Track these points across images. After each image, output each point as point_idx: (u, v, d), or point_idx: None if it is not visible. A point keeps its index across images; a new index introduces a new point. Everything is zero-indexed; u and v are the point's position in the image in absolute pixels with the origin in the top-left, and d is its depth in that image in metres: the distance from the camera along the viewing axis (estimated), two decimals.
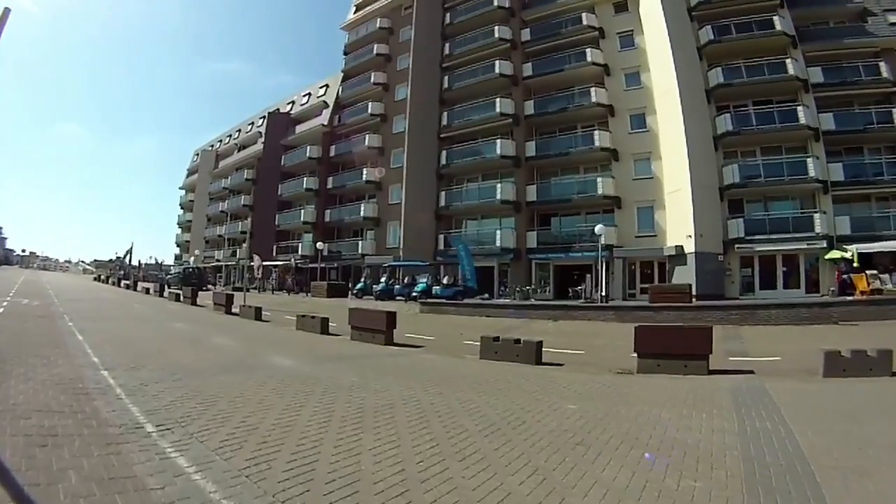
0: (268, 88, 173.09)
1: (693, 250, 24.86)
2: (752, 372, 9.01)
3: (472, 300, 23.41)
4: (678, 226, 26.02)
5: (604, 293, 23.53)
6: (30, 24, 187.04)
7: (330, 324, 14.28)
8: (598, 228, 23.24)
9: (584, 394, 7.15)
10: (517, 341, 10.24)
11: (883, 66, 26.00)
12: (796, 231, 24.94)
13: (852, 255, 21.59)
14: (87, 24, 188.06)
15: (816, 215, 24.80)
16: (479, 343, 11.57)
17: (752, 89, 26.73)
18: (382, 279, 28.45)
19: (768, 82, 26.45)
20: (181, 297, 26.74)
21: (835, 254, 22.67)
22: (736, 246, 25.65)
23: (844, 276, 21.37)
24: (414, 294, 25.73)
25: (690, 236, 25.06)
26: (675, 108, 26.19)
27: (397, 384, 7.29)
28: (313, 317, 14.62)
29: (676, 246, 25.48)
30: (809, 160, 25.25)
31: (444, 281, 26.08)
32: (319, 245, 33.19)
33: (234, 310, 20.35)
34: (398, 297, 27.43)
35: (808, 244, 24.60)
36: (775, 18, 26.96)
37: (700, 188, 25.29)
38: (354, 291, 29.94)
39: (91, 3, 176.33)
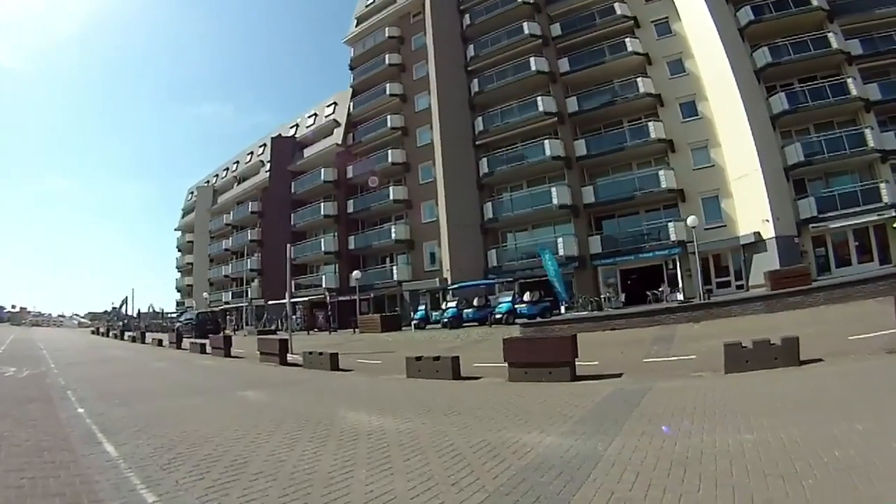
0: (255, 124, 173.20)
1: (773, 235, 25.87)
2: None
3: (581, 314, 23.54)
4: (748, 213, 27.02)
5: (705, 289, 24.20)
6: (9, 82, 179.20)
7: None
8: (690, 220, 23.69)
9: None
10: (770, 343, 9.83)
11: None
12: (865, 203, 26.27)
13: None
14: (71, 78, 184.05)
15: (883, 185, 26.16)
16: (658, 359, 11.62)
17: (797, 67, 28.06)
18: (451, 304, 27.97)
19: (815, 58, 27.80)
20: (206, 349, 24.23)
21: None
22: (811, 226, 26.84)
23: None
24: (498, 316, 25.47)
25: (768, 220, 25.98)
26: (730, 91, 27.25)
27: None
28: (436, 358, 12.66)
29: (755, 233, 26.40)
30: (867, 131, 26.71)
31: (527, 298, 25.99)
32: (357, 274, 32.43)
33: (289, 359, 18.32)
34: (466, 323, 27.10)
35: (878, 215, 25.90)
36: None
37: (769, 170, 26.48)
38: (415, 321, 29.37)
39: (67, 56, 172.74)
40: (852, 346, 10.58)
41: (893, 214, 25.56)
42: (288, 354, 18.73)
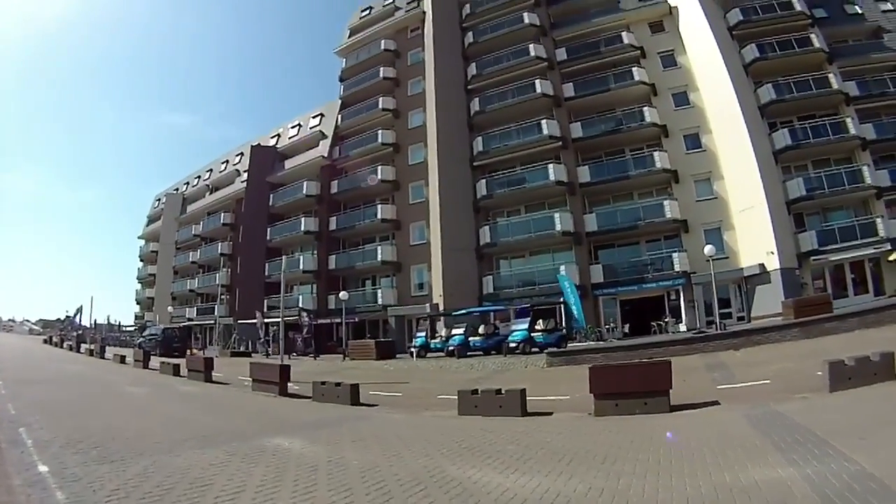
0: (224, 137, 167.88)
1: (777, 267, 26.72)
2: None
3: (615, 343, 23.34)
4: (751, 245, 27.87)
5: (720, 321, 24.50)
6: None
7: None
8: (707, 249, 24.03)
9: None
10: (870, 359, 10.01)
11: None
12: (863, 237, 27.45)
13: None
14: (32, 73, 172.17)
15: (878, 220, 27.46)
16: (732, 385, 11.44)
17: (799, 104, 29.49)
18: (458, 331, 27.19)
19: (816, 97, 29.32)
20: (181, 371, 22.05)
21: None
22: (811, 258, 27.86)
23: None
24: (512, 344, 24.87)
25: (772, 253, 26.91)
26: (736, 125, 28.35)
27: None
28: (498, 392, 11.46)
29: (760, 264, 27.22)
30: (864, 168, 28.19)
31: (540, 326, 25.59)
32: (344, 295, 31.17)
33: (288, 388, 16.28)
34: (472, 352, 26.29)
35: (874, 249, 27.14)
36: (812, 36, 30.28)
37: (773, 204, 27.42)
38: (414, 348, 28.33)
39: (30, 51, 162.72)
40: None
41: (889, 248, 27.00)
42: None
